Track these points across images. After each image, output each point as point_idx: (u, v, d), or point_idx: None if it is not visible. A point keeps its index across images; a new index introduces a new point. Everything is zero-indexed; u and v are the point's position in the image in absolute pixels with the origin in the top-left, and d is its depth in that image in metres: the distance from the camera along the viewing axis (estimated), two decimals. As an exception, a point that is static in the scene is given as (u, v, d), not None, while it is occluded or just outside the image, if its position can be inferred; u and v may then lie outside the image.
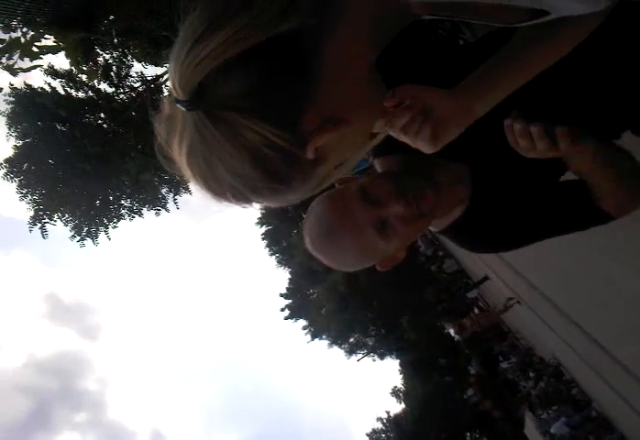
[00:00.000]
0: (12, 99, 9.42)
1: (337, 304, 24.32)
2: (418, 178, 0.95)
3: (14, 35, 6.11)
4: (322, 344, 29.77)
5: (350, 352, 30.43)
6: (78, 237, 10.33)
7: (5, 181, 9.61)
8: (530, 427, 13.01)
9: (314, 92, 0.55)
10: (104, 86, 9.92)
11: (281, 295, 29.14)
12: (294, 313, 28.50)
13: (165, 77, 10.51)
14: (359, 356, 30.71)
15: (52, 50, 6.49)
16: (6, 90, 9.12)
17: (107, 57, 9.56)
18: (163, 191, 11.08)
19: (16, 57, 5.94)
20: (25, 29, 6.24)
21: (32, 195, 9.78)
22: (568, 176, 1.02)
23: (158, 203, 11.06)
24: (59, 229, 10.32)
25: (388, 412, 34.78)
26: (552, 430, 10.48)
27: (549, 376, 13.12)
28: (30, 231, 9.80)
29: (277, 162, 0.55)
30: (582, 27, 0.71)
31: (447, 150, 0.79)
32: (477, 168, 1.04)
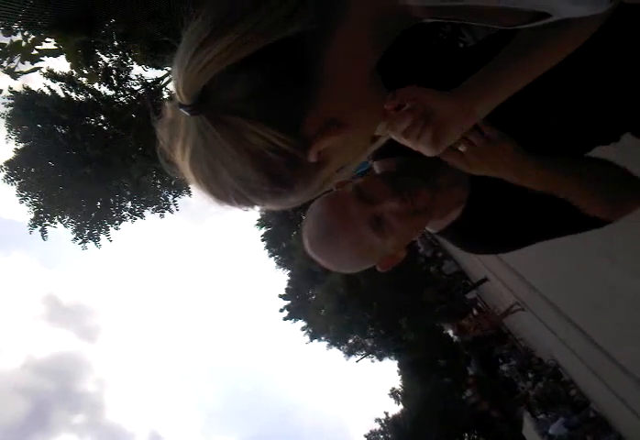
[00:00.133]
0: (11, 102, 9.40)
1: (337, 305, 24.25)
2: (415, 177, 0.96)
3: (15, 38, 6.12)
4: (321, 345, 29.70)
5: (349, 353, 30.35)
6: (80, 240, 10.32)
7: (6, 183, 9.59)
8: (528, 428, 12.96)
9: (316, 95, 0.56)
10: (104, 89, 9.92)
11: (280, 296, 29.09)
12: (293, 313, 28.43)
13: (165, 80, 10.51)
14: (358, 357, 30.63)
15: (53, 54, 6.48)
16: (6, 93, 9.11)
17: (108, 60, 9.55)
18: (164, 193, 11.06)
19: (16, 60, 5.94)
20: (26, 33, 6.25)
21: (33, 198, 9.76)
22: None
23: (161, 205, 11.04)
24: (58, 231, 10.31)
25: (386, 414, 34.63)
26: (550, 431, 10.46)
27: (548, 377, 13.11)
28: (30, 233, 9.80)
29: (280, 166, 0.55)
30: (583, 30, 0.70)
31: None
32: None
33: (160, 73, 10.65)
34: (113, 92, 9.95)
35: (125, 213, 10.79)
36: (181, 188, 10.81)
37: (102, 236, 10.52)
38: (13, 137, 9.63)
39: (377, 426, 35.19)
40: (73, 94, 9.61)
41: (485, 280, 15.79)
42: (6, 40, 5.93)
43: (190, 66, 0.52)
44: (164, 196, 11.11)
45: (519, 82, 0.74)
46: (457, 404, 25.66)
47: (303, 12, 0.54)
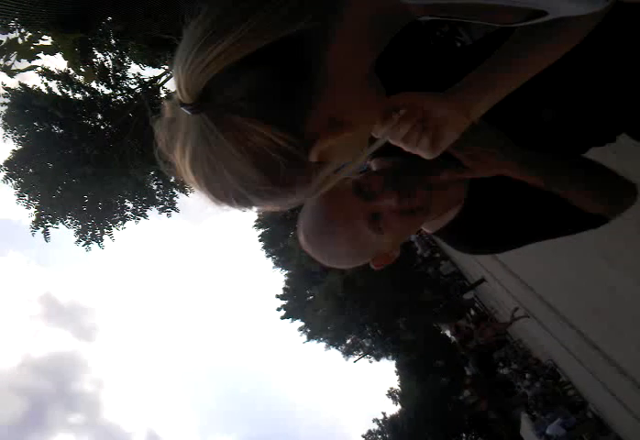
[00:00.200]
0: (7, 100, 9.37)
1: (334, 306, 24.30)
2: (413, 176, 0.96)
3: (11, 36, 6.10)
4: (319, 345, 29.79)
5: (347, 353, 30.44)
6: (83, 242, 10.30)
7: (4, 183, 9.57)
8: (526, 428, 13.00)
9: (316, 94, 0.56)
10: (101, 88, 9.90)
11: (278, 296, 29.13)
12: (291, 313, 28.48)
13: (163, 78, 10.49)
14: (356, 357, 30.72)
15: (49, 51, 6.47)
16: (1, 91, 9.09)
17: (105, 58, 9.53)
18: (168, 192, 11.07)
19: (13, 58, 5.92)
20: (23, 30, 6.24)
21: (34, 200, 9.74)
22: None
23: (166, 205, 11.04)
24: (56, 230, 10.29)
25: (384, 414, 34.85)
26: (548, 431, 10.49)
27: (545, 377, 13.16)
28: (33, 235, 9.79)
29: (281, 166, 0.55)
30: (580, 28, 0.70)
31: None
32: None
33: (157, 72, 10.66)
34: (110, 91, 9.95)
35: (128, 213, 10.77)
36: (180, 187, 10.78)
37: (104, 237, 10.51)
38: (10, 135, 9.62)
39: (375, 426, 35.37)
40: (70, 93, 9.61)
41: (483, 280, 15.85)
42: (3, 38, 5.93)
43: (192, 64, 0.52)
44: (169, 196, 11.09)
45: (515, 81, 0.74)
46: (454, 405, 25.74)
47: (303, 11, 0.54)
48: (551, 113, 0.97)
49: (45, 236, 9.88)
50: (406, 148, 0.76)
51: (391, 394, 35.67)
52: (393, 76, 0.84)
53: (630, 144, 1.11)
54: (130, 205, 10.83)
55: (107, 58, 9.59)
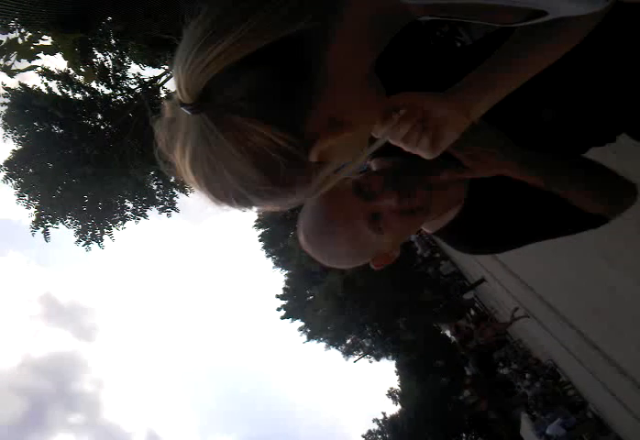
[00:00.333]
0: (7, 100, 9.37)
1: (334, 306, 24.31)
2: (413, 176, 0.97)
3: (11, 36, 6.10)
4: (319, 345, 29.80)
5: (347, 353, 30.45)
6: (83, 242, 10.29)
7: (5, 184, 9.57)
8: (526, 428, 13.00)
9: (317, 94, 0.55)
10: (101, 88, 9.89)
11: (278, 296, 29.14)
12: (291, 313, 28.49)
13: (163, 78, 10.49)
14: (356, 357, 30.72)
15: (50, 50, 6.47)
16: (1, 91, 9.09)
17: (105, 58, 9.53)
18: (168, 192, 11.06)
19: (13, 58, 5.92)
20: (23, 30, 6.23)
21: (34, 200, 9.74)
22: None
23: (166, 205, 11.03)
24: (56, 230, 10.29)
25: (384, 414, 34.85)
26: (548, 431, 10.49)
27: (545, 377, 13.16)
28: (33, 235, 9.79)
29: (281, 166, 0.55)
30: (580, 28, 0.70)
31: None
32: None
33: (157, 72, 10.65)
34: (110, 91, 9.94)
35: (128, 213, 10.76)
36: (180, 187, 10.78)
37: (104, 237, 10.51)
38: (10, 135, 9.62)
39: (375, 426, 35.38)
40: (70, 93, 9.60)
41: (483, 280, 15.85)
42: (3, 38, 5.93)
43: (192, 64, 0.52)
44: (169, 196, 11.09)
45: (515, 81, 0.73)
46: (454, 405, 25.75)
47: (303, 11, 0.53)
48: (551, 113, 0.97)
49: (45, 236, 9.88)
50: (406, 149, 0.76)
51: (391, 394, 35.69)
52: (393, 76, 0.84)
53: (630, 144, 1.11)
54: (130, 205, 10.83)
55: (107, 58, 9.59)
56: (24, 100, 9.20)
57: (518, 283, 8.85)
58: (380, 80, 0.68)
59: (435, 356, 27.59)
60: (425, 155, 0.76)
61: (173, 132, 0.57)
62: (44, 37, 6.37)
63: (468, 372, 23.59)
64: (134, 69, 15.54)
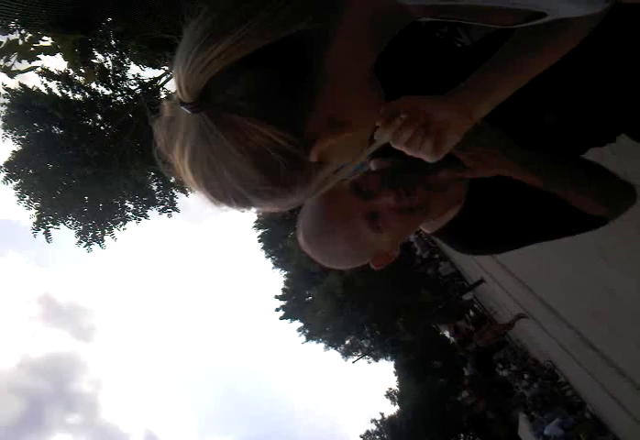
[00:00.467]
0: (7, 101, 9.35)
1: (333, 307, 24.28)
2: (412, 175, 0.97)
3: (12, 37, 6.09)
4: (318, 346, 29.76)
5: (346, 354, 30.42)
6: (84, 243, 10.27)
7: (5, 184, 9.55)
8: (524, 429, 13.01)
9: (317, 94, 0.55)
10: (101, 89, 9.88)
11: (277, 297, 29.11)
12: (290, 314, 28.46)
13: (163, 79, 10.48)
14: (355, 357, 30.69)
15: (50, 51, 6.46)
16: (1, 91, 9.07)
17: (105, 59, 9.52)
18: (168, 193, 11.05)
19: (13, 59, 5.91)
20: (23, 31, 6.22)
21: (34, 201, 9.72)
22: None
23: (166, 206, 11.02)
24: (56, 231, 10.27)
25: (382, 414, 34.77)
26: (546, 431, 10.49)
27: (544, 378, 13.16)
28: (35, 236, 9.77)
29: (281, 166, 0.54)
30: (580, 29, 0.70)
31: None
32: None
33: (157, 73, 10.64)
34: (110, 91, 9.93)
35: (128, 213, 10.75)
36: (180, 188, 10.75)
37: (105, 238, 10.50)
38: (10, 136, 9.60)
39: (373, 427, 35.30)
40: (70, 94, 9.59)
41: (482, 281, 15.83)
42: (3, 39, 5.92)
43: (192, 64, 0.52)
44: (169, 196, 11.07)
45: (515, 82, 0.73)
46: (453, 405, 25.71)
47: (304, 12, 0.53)
48: (553, 116, 0.97)
49: (47, 237, 9.88)
50: (409, 153, 0.75)
51: (389, 395, 35.64)
52: (394, 77, 0.83)
53: (630, 144, 1.11)
54: (131, 206, 10.81)
55: (107, 59, 9.57)
56: (24, 101, 9.18)
57: (517, 284, 8.84)
58: (381, 81, 0.68)
59: (433, 356, 27.57)
60: (428, 158, 0.76)
61: (173, 132, 0.57)
62: (44, 38, 6.36)
63: (466, 373, 23.58)
64: (134, 70, 15.51)
